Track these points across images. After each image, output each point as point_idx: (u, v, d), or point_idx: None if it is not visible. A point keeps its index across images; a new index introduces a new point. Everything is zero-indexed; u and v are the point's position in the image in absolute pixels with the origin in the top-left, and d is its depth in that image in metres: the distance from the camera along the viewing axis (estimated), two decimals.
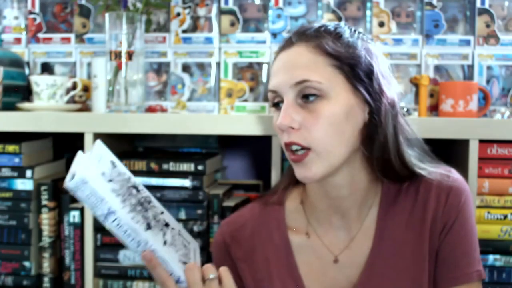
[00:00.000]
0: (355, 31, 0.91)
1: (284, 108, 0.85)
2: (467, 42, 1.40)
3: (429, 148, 0.97)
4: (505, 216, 1.15)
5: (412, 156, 0.92)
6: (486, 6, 1.40)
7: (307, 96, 0.85)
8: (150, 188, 1.22)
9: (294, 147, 0.86)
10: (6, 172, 1.26)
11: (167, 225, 0.91)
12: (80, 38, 1.52)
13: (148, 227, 0.84)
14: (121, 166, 0.90)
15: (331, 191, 0.92)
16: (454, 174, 0.94)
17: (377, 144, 0.88)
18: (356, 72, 0.86)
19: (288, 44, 0.90)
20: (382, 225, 0.93)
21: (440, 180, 0.92)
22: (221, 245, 1.00)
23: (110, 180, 0.83)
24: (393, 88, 0.90)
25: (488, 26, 1.40)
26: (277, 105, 0.90)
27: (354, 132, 0.87)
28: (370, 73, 0.87)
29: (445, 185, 0.92)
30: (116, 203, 0.80)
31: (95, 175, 0.81)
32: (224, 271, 0.86)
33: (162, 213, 0.93)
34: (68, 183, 0.78)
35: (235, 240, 0.99)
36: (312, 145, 0.84)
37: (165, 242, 0.86)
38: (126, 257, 1.24)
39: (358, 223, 0.95)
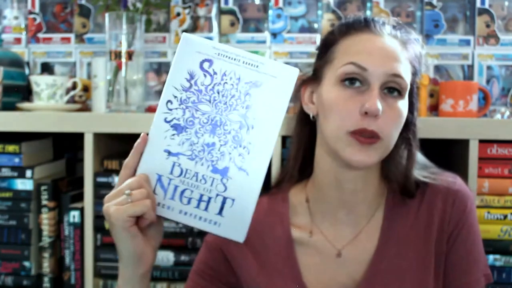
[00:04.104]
0: (420, 39, 0.95)
1: (375, 94, 0.85)
2: (467, 42, 1.41)
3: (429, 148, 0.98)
4: (505, 216, 1.15)
5: (417, 168, 0.94)
6: (486, 6, 1.40)
7: (392, 90, 0.87)
8: None
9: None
10: (6, 172, 1.26)
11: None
12: (80, 38, 1.52)
13: (168, 153, 0.79)
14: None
15: (346, 183, 0.92)
16: (459, 180, 0.96)
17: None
18: (414, 84, 0.91)
19: (376, 29, 0.89)
20: (388, 225, 0.94)
21: (446, 186, 0.94)
22: (215, 240, 0.99)
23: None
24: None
25: (488, 26, 1.40)
26: (351, 81, 0.87)
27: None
28: (417, 87, 0.93)
29: (451, 190, 0.93)
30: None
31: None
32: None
33: (223, 144, 0.80)
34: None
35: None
36: (383, 137, 0.86)
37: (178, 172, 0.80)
38: None
39: (364, 221, 0.95)
